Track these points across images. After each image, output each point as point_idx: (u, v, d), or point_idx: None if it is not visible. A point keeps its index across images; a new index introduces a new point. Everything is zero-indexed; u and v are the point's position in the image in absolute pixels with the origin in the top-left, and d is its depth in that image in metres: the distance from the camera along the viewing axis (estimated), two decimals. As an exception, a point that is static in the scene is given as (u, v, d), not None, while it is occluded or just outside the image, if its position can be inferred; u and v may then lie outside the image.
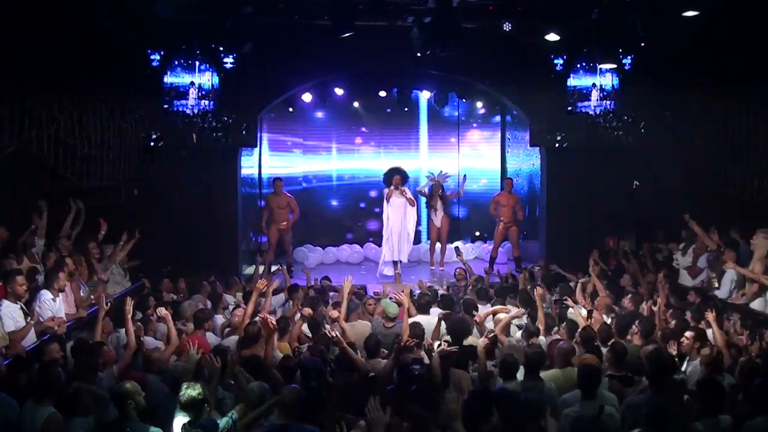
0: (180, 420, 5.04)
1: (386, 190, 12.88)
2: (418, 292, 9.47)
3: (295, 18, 11.21)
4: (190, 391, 4.97)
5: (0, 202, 10.97)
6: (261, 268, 11.43)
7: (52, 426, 5.11)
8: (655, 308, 7.78)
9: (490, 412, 4.92)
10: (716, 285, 9.90)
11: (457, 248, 12.34)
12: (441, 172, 13.53)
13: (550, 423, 5.07)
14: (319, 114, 15.25)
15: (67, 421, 5.22)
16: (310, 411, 5.14)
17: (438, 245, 13.47)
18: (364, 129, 15.75)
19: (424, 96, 14.30)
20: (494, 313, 7.92)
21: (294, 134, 15.56)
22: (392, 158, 14.88)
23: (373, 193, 15.45)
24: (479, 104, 14.79)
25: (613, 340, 6.77)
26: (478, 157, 15.96)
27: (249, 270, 12.91)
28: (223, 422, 5.01)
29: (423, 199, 13.86)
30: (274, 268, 12.21)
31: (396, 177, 12.78)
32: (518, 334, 7.54)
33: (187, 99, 12.10)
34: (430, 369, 5.91)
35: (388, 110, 15.44)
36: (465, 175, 13.84)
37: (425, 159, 15.58)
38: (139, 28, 11.03)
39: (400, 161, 14.04)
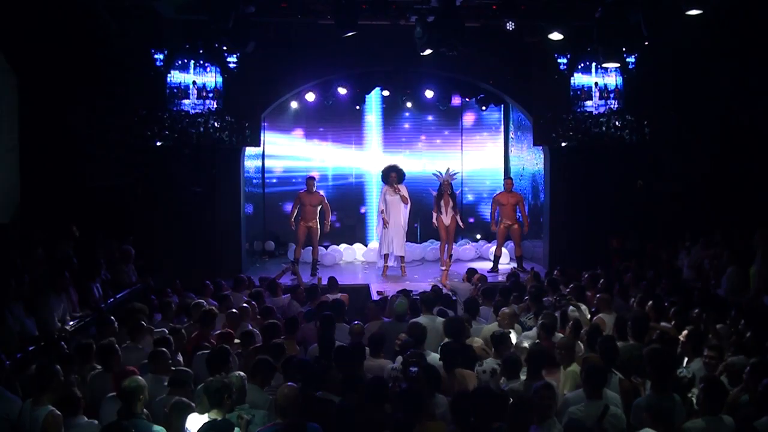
0: (194, 417, 5.07)
1: (383, 187, 13.03)
2: (419, 291, 9.44)
3: (297, 17, 11.22)
4: (214, 382, 5.09)
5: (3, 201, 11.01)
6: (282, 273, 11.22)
7: (51, 424, 5.10)
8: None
9: (497, 412, 4.93)
10: (719, 284, 9.88)
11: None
12: (448, 170, 13.45)
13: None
14: (320, 113, 15.24)
15: (69, 419, 5.22)
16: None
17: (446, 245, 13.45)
18: (364, 127, 15.74)
19: (427, 95, 14.28)
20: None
21: (296, 133, 15.56)
22: (395, 157, 14.84)
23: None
24: (481, 104, 14.74)
25: (607, 337, 6.72)
26: (481, 157, 15.95)
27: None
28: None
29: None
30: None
31: (392, 174, 12.93)
32: (532, 332, 7.51)
33: (191, 98, 12.19)
34: (428, 371, 5.83)
35: (390, 109, 15.49)
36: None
37: (427, 159, 15.55)
38: (143, 28, 11.07)
39: (402, 160, 14.06)
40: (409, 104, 15.08)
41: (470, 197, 15.86)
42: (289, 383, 5.31)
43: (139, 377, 5.25)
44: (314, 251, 13.20)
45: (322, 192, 13.37)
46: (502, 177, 15.41)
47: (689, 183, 12.77)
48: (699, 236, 11.03)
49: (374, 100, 15.31)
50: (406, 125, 15.83)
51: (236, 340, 7.30)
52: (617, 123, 12.48)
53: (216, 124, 12.09)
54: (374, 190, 15.49)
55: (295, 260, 12.63)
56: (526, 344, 6.84)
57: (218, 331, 7.51)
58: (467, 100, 15.00)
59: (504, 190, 13.42)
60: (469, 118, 15.93)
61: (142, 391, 5.11)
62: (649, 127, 12.44)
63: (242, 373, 5.59)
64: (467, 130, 15.94)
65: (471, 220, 15.64)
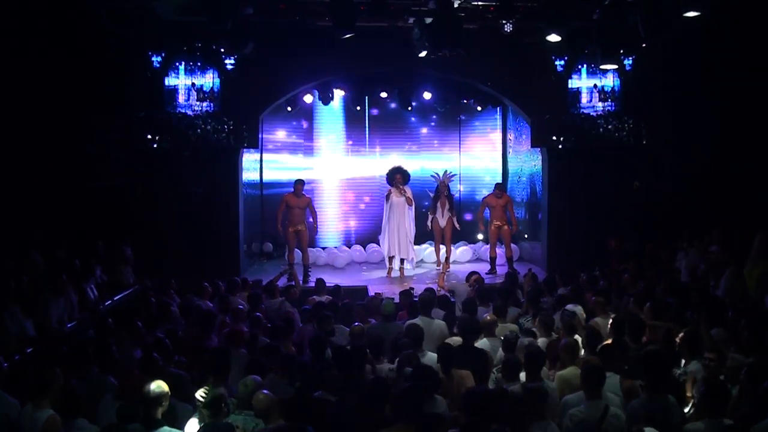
0: (194, 422, 5.05)
1: (388, 189, 13.03)
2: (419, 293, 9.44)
3: (296, 19, 11.22)
4: (211, 391, 5.05)
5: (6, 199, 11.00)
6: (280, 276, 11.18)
7: (52, 427, 5.09)
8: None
9: (492, 412, 4.93)
10: (716, 285, 9.87)
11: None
12: (446, 172, 13.51)
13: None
14: (319, 114, 15.26)
15: (69, 422, 5.21)
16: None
17: (442, 246, 13.46)
18: (362, 128, 15.75)
19: (426, 96, 14.30)
20: None
21: (294, 134, 15.57)
22: (390, 159, 14.88)
23: (366, 199, 15.72)
24: (479, 105, 14.77)
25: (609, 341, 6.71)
26: (480, 157, 15.96)
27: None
28: None
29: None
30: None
31: (397, 176, 12.94)
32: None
33: (189, 100, 12.21)
34: (425, 372, 5.81)
35: (388, 110, 15.51)
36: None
37: (425, 160, 15.55)
38: (141, 30, 11.08)
39: (400, 161, 14.12)
40: (407, 105, 15.09)
41: (467, 191, 15.81)
42: (264, 390, 5.19)
43: (163, 383, 5.08)
44: (304, 256, 12.85)
45: (308, 195, 13.18)
46: (500, 177, 15.46)
47: (688, 183, 12.78)
48: (696, 237, 11.02)
49: (372, 100, 15.29)
50: (405, 126, 15.82)
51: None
52: (615, 124, 12.50)
53: (214, 125, 12.10)
54: (367, 190, 15.65)
55: (290, 265, 12.54)
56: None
57: (224, 331, 7.49)
58: (465, 101, 15.00)
59: (493, 193, 13.40)
60: (467, 119, 15.92)
61: (166, 398, 4.99)
62: (647, 129, 12.46)
63: (258, 378, 5.45)
64: (465, 131, 15.95)
65: (469, 217, 15.61)
